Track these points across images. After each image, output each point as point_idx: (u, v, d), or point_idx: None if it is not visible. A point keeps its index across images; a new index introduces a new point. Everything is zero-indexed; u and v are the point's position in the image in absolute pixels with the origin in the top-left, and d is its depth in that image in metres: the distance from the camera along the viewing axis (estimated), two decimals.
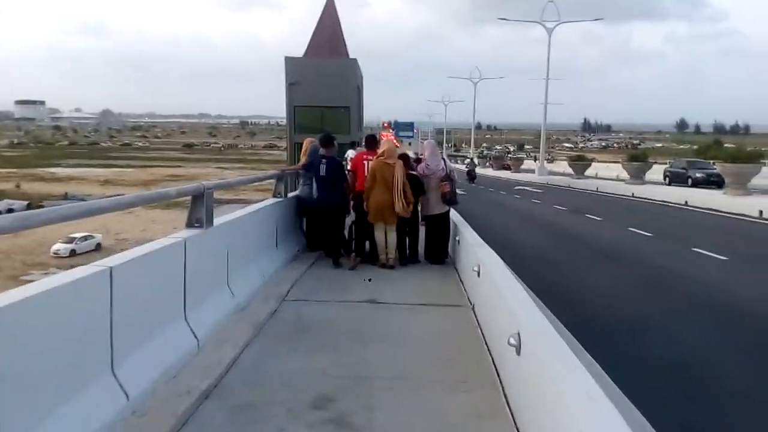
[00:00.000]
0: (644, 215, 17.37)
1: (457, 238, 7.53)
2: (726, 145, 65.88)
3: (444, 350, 4.52)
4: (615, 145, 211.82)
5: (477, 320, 5.22)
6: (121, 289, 3.27)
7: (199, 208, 4.65)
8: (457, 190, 8.24)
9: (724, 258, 10.16)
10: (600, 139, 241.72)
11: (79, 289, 3.02)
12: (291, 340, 4.67)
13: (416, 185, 7.83)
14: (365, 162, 7.83)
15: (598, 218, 16.34)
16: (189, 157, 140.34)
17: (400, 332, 4.97)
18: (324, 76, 26.88)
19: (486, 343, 4.59)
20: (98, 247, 44.45)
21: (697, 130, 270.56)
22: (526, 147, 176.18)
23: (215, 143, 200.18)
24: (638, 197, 23.62)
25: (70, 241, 43.24)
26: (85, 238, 44.78)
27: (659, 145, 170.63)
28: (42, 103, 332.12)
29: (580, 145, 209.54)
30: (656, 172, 30.63)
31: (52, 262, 40.36)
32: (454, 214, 8.47)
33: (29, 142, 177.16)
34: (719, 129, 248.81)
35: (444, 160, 8.18)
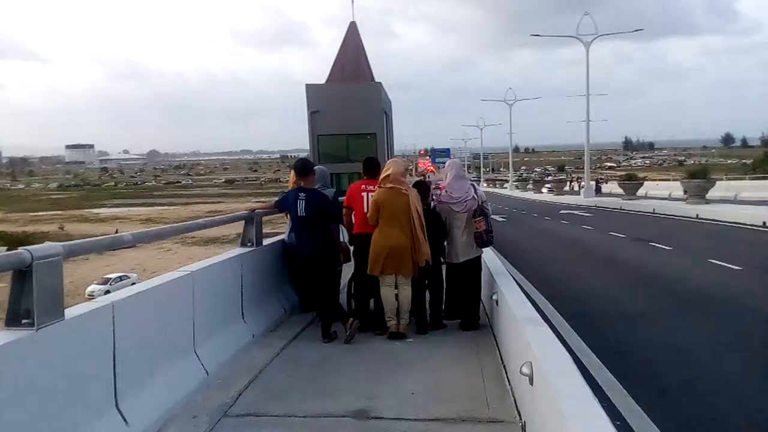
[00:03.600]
0: (720, 242, 14.65)
1: (494, 297, 5.30)
2: None
3: None
4: (660, 162, 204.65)
5: None
6: None
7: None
8: (494, 216, 6.02)
9: None
10: (643, 157, 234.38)
11: None
12: None
13: (435, 222, 5.71)
14: (364, 194, 5.77)
15: (667, 247, 13.73)
16: (230, 193, 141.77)
17: None
18: (347, 101, 25.28)
19: None
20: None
21: (744, 143, 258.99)
22: (567, 168, 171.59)
23: (256, 178, 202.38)
24: (704, 219, 20.73)
25: (105, 282, 43.01)
26: (120, 278, 44.60)
27: (705, 160, 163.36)
28: (91, 146, 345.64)
29: (623, 163, 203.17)
30: (719, 189, 27.50)
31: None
32: (487, 255, 6.28)
33: (77, 184, 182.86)
34: (767, 142, 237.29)
35: (473, 185, 6.02)
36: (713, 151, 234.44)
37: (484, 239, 5.71)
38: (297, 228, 5.68)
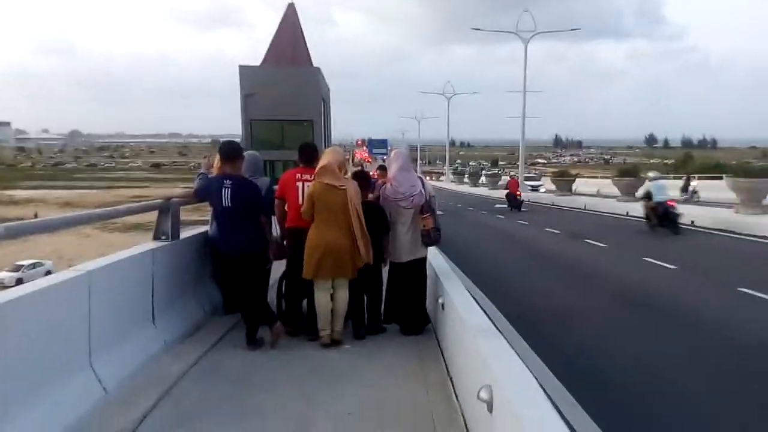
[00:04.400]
0: (653, 240, 14.96)
1: (440, 301, 4.84)
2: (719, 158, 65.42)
3: None
4: (587, 160, 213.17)
5: None
6: None
7: None
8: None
9: None
10: (572, 155, 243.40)
11: None
12: None
13: (376, 218, 5.19)
14: (299, 183, 5.16)
15: (602, 244, 13.86)
16: (157, 177, 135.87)
17: None
18: (283, 85, 24.22)
19: None
20: (48, 275, 41.34)
21: (666, 144, 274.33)
22: (500, 163, 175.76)
23: (185, 163, 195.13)
24: (634, 216, 21.35)
25: (17, 269, 40.22)
26: (34, 265, 41.85)
27: (630, 160, 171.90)
28: (7, 124, 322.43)
29: (553, 160, 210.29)
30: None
31: None
32: (431, 252, 5.83)
33: None
34: (687, 143, 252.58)
35: (421, 179, 5.52)
36: (637, 150, 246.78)
37: (431, 237, 5.23)
38: (221, 221, 4.99)
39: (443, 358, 4.58)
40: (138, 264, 4.39)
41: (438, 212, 5.63)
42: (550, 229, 17.63)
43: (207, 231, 5.75)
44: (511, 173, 56.04)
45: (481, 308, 4.15)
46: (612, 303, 8.20)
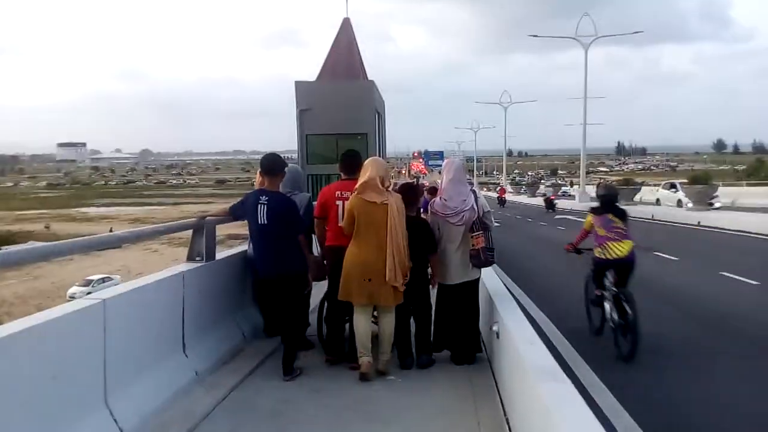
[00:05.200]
0: (733, 253, 13.74)
1: (494, 328, 4.31)
2: None
3: None
4: (652, 167, 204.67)
5: None
6: None
7: None
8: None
9: None
10: (636, 162, 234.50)
11: None
12: None
13: (423, 235, 4.73)
14: (339, 203, 4.79)
15: (674, 258, 12.82)
16: (221, 193, 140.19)
17: None
18: (338, 100, 24.26)
19: None
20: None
21: (736, 149, 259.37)
22: (560, 172, 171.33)
23: (247, 179, 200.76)
24: (707, 226, 19.90)
25: (87, 284, 41.82)
26: (103, 280, 43.44)
27: (698, 166, 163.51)
28: (83, 145, 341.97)
29: (616, 168, 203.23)
30: (722, 195, 26.81)
31: None
32: (485, 271, 5.28)
33: (66, 183, 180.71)
34: (759, 148, 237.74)
35: (474, 193, 5.03)
36: (705, 157, 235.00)
37: (481, 259, 4.71)
38: (256, 240, 4.67)
39: (500, 397, 4.05)
40: (166, 288, 4.12)
41: (495, 223, 5.10)
42: None
43: (246, 250, 5.45)
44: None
45: (543, 337, 3.62)
46: (704, 330, 7.26)
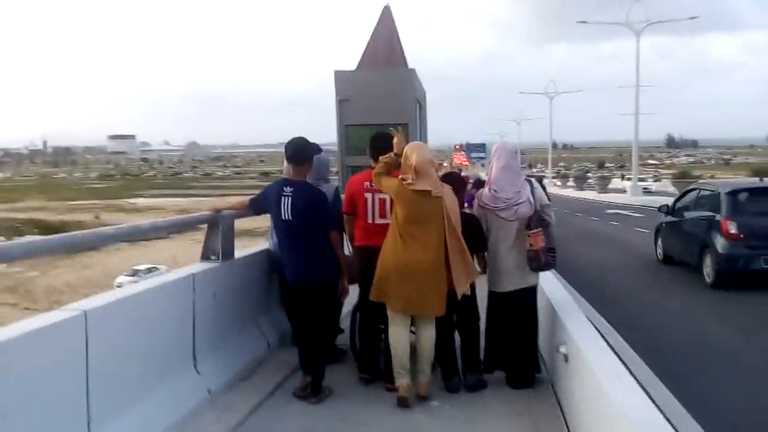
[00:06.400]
0: None
1: (562, 350, 3.57)
2: None
3: None
4: (704, 160, 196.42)
5: None
6: None
7: None
8: None
9: None
10: (687, 155, 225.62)
11: None
12: None
13: (470, 232, 4.01)
14: (368, 195, 4.12)
15: None
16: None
17: None
18: (377, 89, 23.55)
19: None
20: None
21: None
22: (607, 165, 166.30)
23: None
24: None
25: (134, 273, 42.57)
26: (150, 270, 44.16)
27: (753, 159, 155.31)
28: (132, 137, 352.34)
29: (666, 161, 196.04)
30: None
31: None
32: (545, 276, 4.53)
33: (117, 174, 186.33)
34: None
35: (530, 182, 4.27)
36: (760, 150, 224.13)
37: (541, 261, 3.98)
38: (282, 238, 4.05)
39: (567, 428, 3.31)
40: (171, 294, 3.56)
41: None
42: None
43: (268, 247, 4.85)
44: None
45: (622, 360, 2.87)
46: None
